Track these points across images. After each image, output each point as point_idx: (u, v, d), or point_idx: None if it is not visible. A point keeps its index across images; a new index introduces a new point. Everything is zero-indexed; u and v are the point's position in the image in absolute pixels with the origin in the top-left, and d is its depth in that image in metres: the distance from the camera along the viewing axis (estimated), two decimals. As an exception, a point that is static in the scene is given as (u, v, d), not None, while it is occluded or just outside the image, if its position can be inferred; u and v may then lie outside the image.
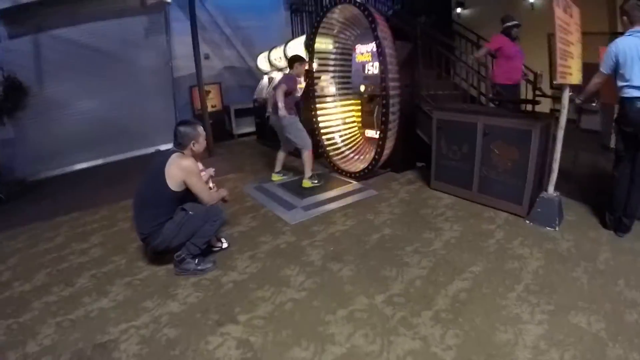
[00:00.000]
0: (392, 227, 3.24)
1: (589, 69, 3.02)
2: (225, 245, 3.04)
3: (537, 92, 4.85)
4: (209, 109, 7.62)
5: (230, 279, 2.59)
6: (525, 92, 4.95)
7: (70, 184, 6.09)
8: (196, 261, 2.67)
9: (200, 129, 2.66)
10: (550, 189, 3.09)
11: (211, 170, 3.10)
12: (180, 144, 2.59)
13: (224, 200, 2.92)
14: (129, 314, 2.27)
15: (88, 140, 7.12)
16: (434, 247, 2.85)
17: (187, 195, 2.62)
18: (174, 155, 2.53)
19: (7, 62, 6.02)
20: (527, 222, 3.14)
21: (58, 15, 6.48)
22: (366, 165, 4.44)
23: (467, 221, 3.25)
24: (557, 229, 2.97)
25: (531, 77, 4.89)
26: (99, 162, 7.40)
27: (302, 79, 5.85)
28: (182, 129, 2.57)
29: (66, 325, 2.20)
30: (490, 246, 2.79)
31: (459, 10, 7.66)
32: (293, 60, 4.42)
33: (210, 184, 3.00)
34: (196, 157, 2.71)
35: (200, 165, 2.88)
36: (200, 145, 2.67)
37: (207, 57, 8.36)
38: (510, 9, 6.76)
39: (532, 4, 6.53)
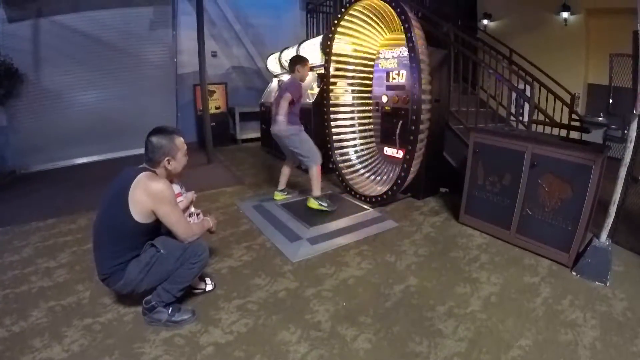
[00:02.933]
0: (418, 275, 2.64)
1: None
2: (209, 287, 2.43)
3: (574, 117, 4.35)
4: (213, 111, 7.19)
5: (211, 339, 1.99)
6: (560, 116, 4.36)
7: (60, 181, 5.61)
8: (170, 310, 2.06)
9: (180, 141, 2.06)
10: (604, 236, 2.56)
11: (192, 195, 2.50)
12: (151, 160, 2.01)
13: (210, 231, 2.31)
14: (82, 376, 1.76)
15: (84, 135, 6.67)
16: (472, 307, 2.25)
17: (158, 227, 2.04)
18: (141, 175, 1.93)
19: (4, 47, 5.67)
20: (574, 274, 2.61)
21: (60, 0, 6.07)
22: (386, 189, 3.81)
23: (506, 270, 2.67)
24: (607, 284, 2.46)
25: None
26: (95, 158, 6.94)
27: (314, 85, 5.31)
28: (154, 139, 1.98)
29: (10, 378, 1.77)
30: (538, 308, 2.24)
31: (485, 22, 7.20)
32: (294, 63, 3.72)
33: (192, 209, 2.41)
34: (172, 177, 2.14)
35: (177, 188, 2.28)
36: (178, 162, 2.08)
37: (214, 54, 7.87)
38: (541, 24, 6.29)
39: (565, 19, 6.03)
